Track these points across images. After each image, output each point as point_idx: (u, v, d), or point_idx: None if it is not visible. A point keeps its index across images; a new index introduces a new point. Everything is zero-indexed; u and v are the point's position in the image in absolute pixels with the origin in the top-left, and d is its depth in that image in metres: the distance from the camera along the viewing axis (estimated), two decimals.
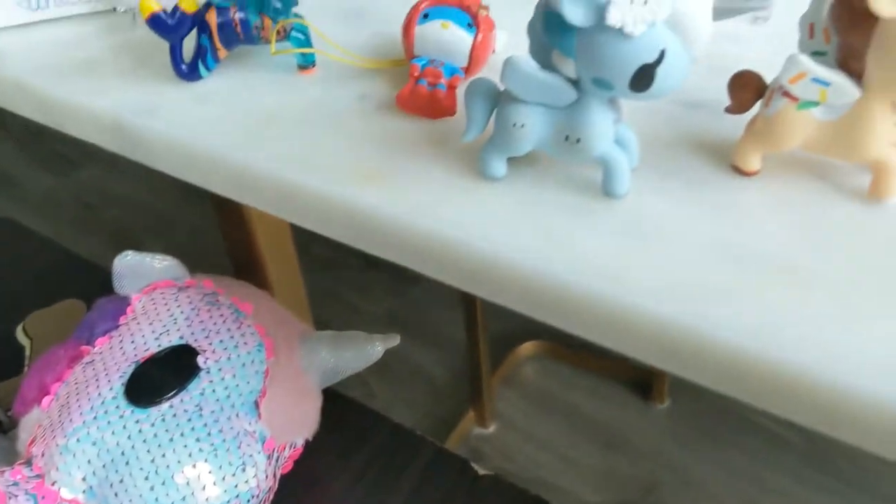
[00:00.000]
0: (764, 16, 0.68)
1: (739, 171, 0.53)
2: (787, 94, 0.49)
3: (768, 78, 0.51)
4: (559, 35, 0.46)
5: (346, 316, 1.93)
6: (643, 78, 0.45)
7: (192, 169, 0.61)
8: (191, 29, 0.63)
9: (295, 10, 0.64)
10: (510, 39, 0.67)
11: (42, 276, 1.07)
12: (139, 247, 0.81)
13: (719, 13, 0.46)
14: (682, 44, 0.45)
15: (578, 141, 0.50)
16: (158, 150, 0.62)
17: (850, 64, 0.47)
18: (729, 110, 0.53)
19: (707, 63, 0.63)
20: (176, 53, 0.64)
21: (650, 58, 0.44)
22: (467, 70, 0.61)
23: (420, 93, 0.59)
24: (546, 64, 0.50)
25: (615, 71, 0.45)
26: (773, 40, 0.67)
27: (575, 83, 0.49)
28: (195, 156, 0.60)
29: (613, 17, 0.43)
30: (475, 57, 0.60)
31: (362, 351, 0.75)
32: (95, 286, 0.88)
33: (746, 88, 0.51)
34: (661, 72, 0.45)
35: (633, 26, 0.43)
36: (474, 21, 0.60)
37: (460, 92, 0.60)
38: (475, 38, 0.60)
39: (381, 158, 0.57)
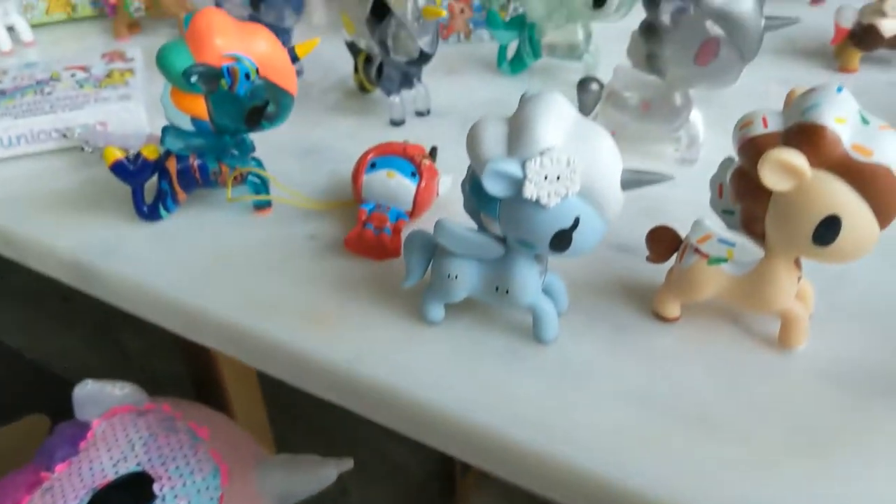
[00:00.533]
0: (691, 158, 0.73)
1: (661, 318, 0.56)
2: (698, 250, 0.53)
3: (693, 219, 0.55)
4: (486, 200, 0.50)
5: (306, 436, 1.92)
6: (561, 241, 0.49)
7: (148, 308, 0.64)
8: (152, 174, 0.67)
9: (257, 146, 0.68)
10: (456, 181, 0.71)
11: (8, 388, 1.09)
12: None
13: (627, 184, 0.51)
14: (595, 211, 0.49)
15: (507, 292, 0.54)
16: (117, 289, 0.65)
17: (752, 226, 0.51)
18: (649, 260, 0.57)
19: (638, 205, 0.67)
20: (137, 196, 0.67)
21: (566, 224, 0.48)
22: (412, 214, 0.65)
23: (367, 237, 0.63)
24: (477, 219, 0.54)
25: (535, 235, 0.49)
26: (702, 182, 0.72)
27: (502, 240, 0.53)
28: (151, 296, 0.63)
29: (529, 192, 0.47)
30: (419, 202, 0.64)
31: (317, 475, 0.77)
32: (62, 401, 0.90)
33: (662, 242, 0.55)
34: (577, 235, 0.49)
35: (548, 199, 0.47)
36: (418, 170, 0.65)
37: (405, 235, 0.63)
38: (418, 185, 0.64)
39: (328, 301, 0.60)
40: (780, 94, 0.84)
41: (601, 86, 0.74)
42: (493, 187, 0.48)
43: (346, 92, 0.88)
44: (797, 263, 0.52)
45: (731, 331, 0.56)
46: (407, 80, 0.79)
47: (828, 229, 0.47)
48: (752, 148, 0.48)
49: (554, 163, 0.47)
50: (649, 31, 0.67)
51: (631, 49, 0.71)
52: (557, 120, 0.48)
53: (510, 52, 0.88)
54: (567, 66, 0.87)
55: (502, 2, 0.90)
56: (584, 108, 0.75)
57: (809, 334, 0.54)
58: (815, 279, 0.57)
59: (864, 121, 0.46)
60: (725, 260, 0.52)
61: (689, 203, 0.59)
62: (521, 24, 0.85)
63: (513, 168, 0.47)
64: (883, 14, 0.81)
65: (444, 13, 0.71)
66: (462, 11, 0.93)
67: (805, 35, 0.91)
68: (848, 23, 0.84)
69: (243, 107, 0.62)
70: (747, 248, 0.51)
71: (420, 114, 0.82)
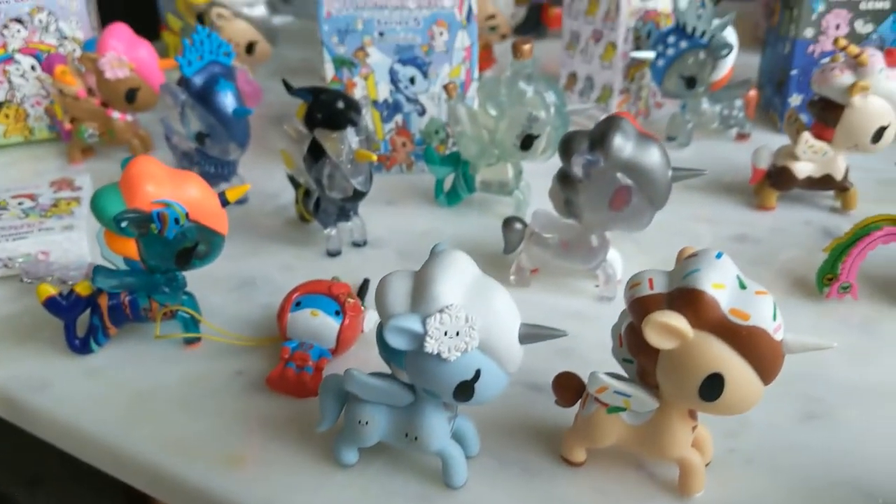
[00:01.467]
0: (608, 296, 0.76)
1: (568, 463, 0.58)
2: (598, 399, 0.55)
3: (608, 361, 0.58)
4: (392, 351, 0.52)
5: None
6: (463, 391, 0.51)
7: (78, 447, 0.64)
8: (84, 309, 0.69)
9: (194, 279, 0.70)
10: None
11: None
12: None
13: (524, 338, 0.53)
14: (495, 363, 0.51)
15: (416, 438, 0.55)
16: (47, 425, 0.65)
17: (646, 378, 0.53)
18: (557, 404, 0.59)
19: (553, 345, 0.69)
20: (69, 331, 0.69)
21: (467, 376, 0.51)
22: (335, 352, 0.67)
23: (288, 375, 0.64)
24: (390, 366, 0.56)
25: (438, 386, 0.51)
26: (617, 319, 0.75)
27: (411, 387, 0.55)
28: (79, 433, 0.63)
29: (430, 347, 0.49)
30: (342, 340, 0.67)
31: None
32: None
33: (567, 388, 0.58)
34: (479, 386, 0.51)
35: (449, 353, 0.49)
36: (342, 308, 0.67)
37: (327, 373, 0.65)
38: (342, 323, 0.66)
39: (248, 441, 0.61)
40: (704, 231, 0.90)
41: (524, 225, 0.77)
42: (396, 341, 0.50)
43: (287, 220, 0.91)
44: (692, 414, 0.54)
45: (636, 477, 0.57)
46: (343, 214, 0.82)
47: (712, 386, 0.49)
48: (638, 308, 0.51)
49: (453, 319, 0.49)
50: (564, 179, 0.71)
51: (551, 193, 0.75)
52: (458, 277, 0.50)
53: (447, 185, 0.92)
54: (500, 200, 0.91)
55: (442, 137, 0.94)
56: (509, 246, 0.79)
57: (708, 480, 0.56)
58: (715, 424, 0.59)
59: (742, 285, 0.49)
60: (623, 409, 0.55)
61: (603, 344, 0.62)
62: (455, 160, 0.89)
63: (414, 324, 0.49)
64: (795, 157, 0.86)
65: (375, 158, 0.75)
66: (404, 145, 0.97)
67: (731, 171, 0.96)
68: (764, 164, 0.89)
69: (173, 249, 0.64)
70: (641, 400, 0.53)
71: (357, 244, 0.85)
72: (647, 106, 1.09)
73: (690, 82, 0.98)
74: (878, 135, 0.83)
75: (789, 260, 0.81)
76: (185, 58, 0.84)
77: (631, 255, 0.81)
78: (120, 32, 0.99)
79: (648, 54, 0.99)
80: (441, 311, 0.49)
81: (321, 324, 0.66)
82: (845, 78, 0.82)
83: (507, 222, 0.78)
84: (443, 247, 0.53)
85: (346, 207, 0.82)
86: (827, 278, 0.74)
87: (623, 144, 0.68)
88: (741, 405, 0.51)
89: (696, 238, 0.86)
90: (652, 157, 0.68)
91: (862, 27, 0.99)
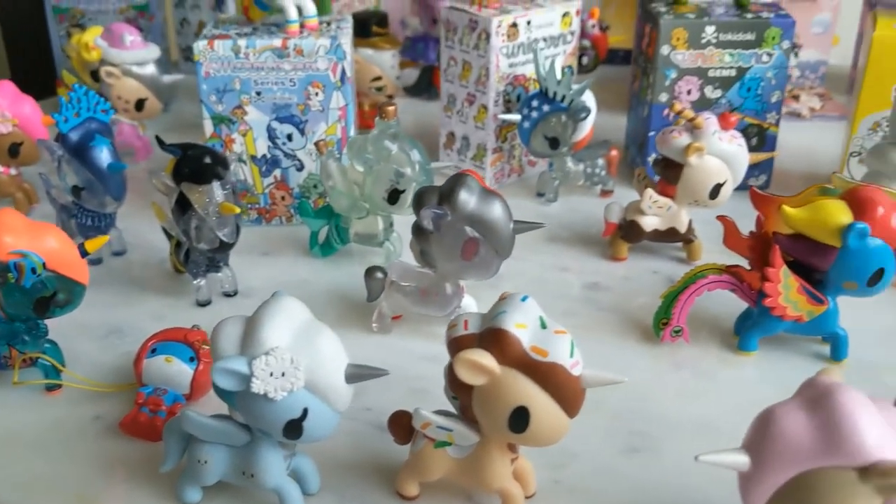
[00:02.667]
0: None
1: (402, 497, 0.62)
2: (426, 435, 0.59)
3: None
4: (224, 392, 0.56)
5: None
6: (292, 429, 0.55)
7: None
8: None
9: (65, 325, 0.72)
10: None
11: None
12: None
13: (350, 378, 0.57)
14: (322, 402, 0.55)
15: (252, 476, 0.58)
16: None
17: (466, 413, 0.57)
18: (396, 442, 0.63)
19: (406, 385, 0.74)
20: None
21: (295, 415, 0.54)
22: (190, 397, 0.70)
23: (141, 419, 0.67)
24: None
25: (268, 425, 0.55)
26: None
27: (248, 427, 0.58)
28: None
29: (256, 387, 0.53)
30: (196, 386, 0.69)
31: None
32: None
33: (401, 426, 0.61)
34: (307, 424, 0.55)
35: (275, 393, 0.53)
36: (196, 355, 0.70)
37: None
38: (196, 369, 0.69)
39: (98, 482, 0.63)
40: (561, 279, 0.95)
41: (385, 274, 0.82)
42: (224, 382, 0.53)
43: (164, 271, 0.93)
44: (511, 447, 0.59)
45: None
46: (213, 265, 0.86)
47: (519, 419, 0.54)
48: (453, 347, 0.55)
49: (279, 361, 0.53)
50: (418, 232, 0.76)
51: (410, 245, 0.79)
52: (286, 322, 0.54)
53: (321, 237, 0.96)
54: (373, 251, 0.95)
55: (320, 191, 0.99)
56: (371, 295, 0.83)
57: None
58: (542, 456, 0.63)
59: (543, 325, 0.54)
60: (449, 444, 0.59)
61: None
62: (328, 213, 0.93)
63: (240, 366, 0.53)
64: (642, 212, 0.93)
65: (237, 210, 0.79)
66: (283, 199, 1.01)
67: (595, 225, 1.02)
68: (615, 218, 0.95)
69: (30, 297, 0.67)
70: (462, 434, 0.57)
71: (227, 295, 0.88)
72: (520, 164, 1.16)
73: (554, 143, 1.05)
74: (716, 191, 0.90)
75: (636, 307, 0.87)
76: (62, 114, 0.87)
77: (491, 302, 0.86)
78: (4, 89, 1.01)
79: (515, 117, 1.06)
80: (267, 353, 0.53)
81: (175, 370, 0.69)
82: (683, 139, 0.90)
83: (369, 272, 0.82)
84: (280, 294, 0.57)
85: (216, 258, 0.85)
86: (662, 323, 0.80)
87: (468, 199, 0.73)
88: (549, 437, 0.55)
89: (554, 286, 0.92)
90: (494, 210, 0.74)
91: (711, 92, 1.08)
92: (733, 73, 1.07)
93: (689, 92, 1.08)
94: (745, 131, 1.10)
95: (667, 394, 0.75)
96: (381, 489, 0.63)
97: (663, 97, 1.08)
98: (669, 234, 0.95)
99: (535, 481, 0.63)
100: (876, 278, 0.73)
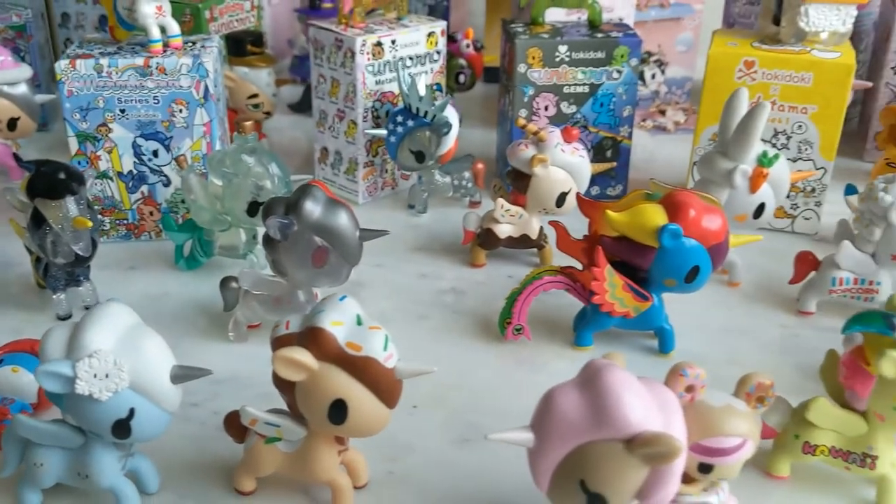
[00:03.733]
0: None
1: (239, 493, 0.64)
2: (257, 432, 0.62)
3: None
4: (55, 396, 0.58)
5: None
6: (121, 429, 0.57)
7: None
8: None
9: None
10: None
11: None
12: None
13: (175, 378, 0.60)
14: (150, 402, 0.57)
15: (87, 476, 0.60)
16: None
17: (293, 409, 0.61)
18: (235, 441, 0.66)
19: (259, 389, 0.76)
20: None
21: (122, 415, 0.57)
22: (37, 406, 0.71)
23: None
24: None
25: (96, 425, 0.57)
26: None
27: (81, 429, 0.60)
28: None
29: (80, 388, 0.55)
30: (43, 394, 0.71)
31: None
32: None
33: (235, 426, 0.64)
34: (135, 424, 0.57)
35: (100, 394, 0.55)
36: None
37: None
38: None
39: None
40: (421, 286, 0.99)
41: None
42: (49, 385, 0.55)
43: (26, 286, 0.94)
44: (339, 440, 0.62)
45: (302, 501, 0.65)
46: (73, 279, 0.87)
47: (338, 410, 0.57)
48: (275, 346, 0.59)
49: (102, 362, 0.55)
50: (268, 242, 0.79)
51: (265, 254, 0.82)
52: (110, 326, 0.57)
53: (186, 250, 0.98)
54: (238, 263, 0.98)
55: (187, 206, 1.01)
56: (227, 305, 0.86)
57: (365, 499, 0.64)
58: (377, 448, 0.67)
59: (359, 322, 0.58)
60: (279, 439, 0.62)
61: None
62: (192, 227, 0.96)
63: (63, 368, 0.55)
64: (496, 221, 0.98)
65: (90, 224, 0.81)
66: (151, 214, 1.03)
67: (460, 234, 1.07)
68: (472, 227, 1.00)
69: None
70: (290, 429, 0.61)
71: (88, 308, 0.89)
72: (393, 178, 1.20)
73: (420, 156, 1.09)
74: (561, 199, 0.96)
75: (489, 310, 0.92)
76: None
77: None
78: None
79: (381, 132, 1.10)
80: (90, 355, 0.55)
81: (22, 380, 0.70)
82: (528, 152, 0.95)
83: (224, 282, 0.85)
84: (111, 301, 0.60)
85: (75, 272, 0.87)
86: (506, 322, 0.85)
87: (313, 208, 0.76)
88: (369, 427, 0.59)
89: (415, 292, 0.96)
90: (340, 219, 0.78)
91: (567, 108, 1.15)
92: (586, 89, 1.14)
93: (546, 108, 1.15)
94: (601, 144, 1.17)
95: (506, 388, 0.80)
96: (219, 487, 0.66)
97: (523, 112, 1.14)
98: (523, 241, 1.00)
99: (368, 472, 0.66)
100: (692, 275, 0.79)
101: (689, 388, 0.54)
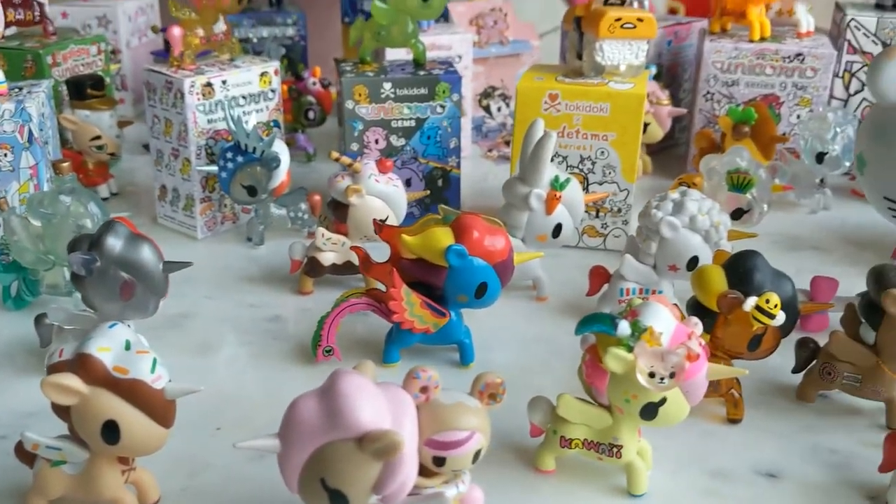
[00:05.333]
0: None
1: None
2: (42, 456, 0.65)
3: None
4: None
5: None
6: None
7: None
8: None
9: None
10: None
11: None
12: None
13: None
14: None
15: None
16: None
17: (74, 432, 0.64)
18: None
19: None
20: None
21: None
22: None
23: None
24: None
25: None
26: None
27: None
28: None
29: None
30: None
31: None
32: None
33: (23, 452, 0.67)
34: None
35: None
36: None
37: None
38: None
39: None
40: (247, 315, 1.03)
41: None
42: None
43: None
44: (122, 460, 0.66)
45: None
46: None
47: (110, 431, 0.61)
48: (49, 372, 0.62)
49: None
50: (75, 277, 0.82)
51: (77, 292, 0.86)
52: None
53: (14, 290, 1.00)
54: (65, 300, 1.00)
55: (9, 248, 1.03)
56: (43, 341, 0.88)
57: None
58: (173, 466, 0.71)
59: (127, 347, 0.62)
60: (64, 462, 0.65)
61: None
62: (17, 267, 0.98)
63: None
64: (319, 249, 1.04)
65: None
66: None
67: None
68: (298, 256, 1.05)
69: None
70: (73, 451, 0.64)
71: None
72: (233, 212, 1.24)
73: (252, 190, 1.14)
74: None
75: (309, 335, 0.96)
76: None
77: (157, 338, 0.94)
78: None
79: (213, 168, 1.14)
80: None
81: None
82: (344, 182, 1.01)
83: (38, 319, 0.88)
84: None
85: None
86: (317, 344, 0.90)
87: (114, 244, 0.80)
88: (144, 446, 0.63)
89: (241, 321, 1.00)
90: (142, 253, 0.81)
91: (396, 141, 1.21)
92: (413, 123, 1.21)
93: (376, 141, 1.21)
94: (431, 174, 1.24)
95: None
96: None
97: (354, 146, 1.20)
98: (347, 268, 1.05)
99: (161, 490, 0.70)
100: (481, 291, 0.86)
101: (424, 389, 0.60)
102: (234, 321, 1.00)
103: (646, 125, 1.42)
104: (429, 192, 1.19)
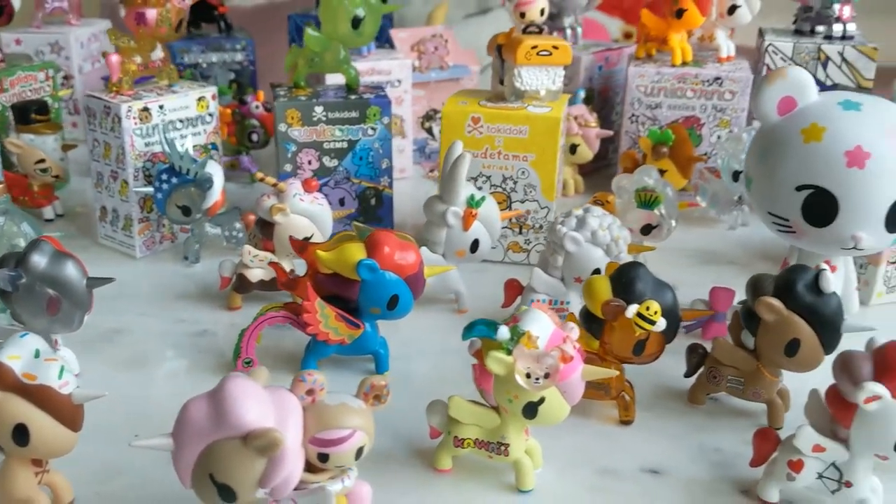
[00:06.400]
0: None
1: None
2: None
3: None
4: None
5: None
6: None
7: None
8: None
9: None
10: None
11: None
12: None
13: None
14: None
15: None
16: None
17: None
18: None
19: None
20: None
21: None
22: None
23: None
24: None
25: None
26: None
27: None
28: None
29: None
30: None
31: None
32: None
33: None
34: None
35: None
36: None
37: None
38: None
39: None
40: (178, 330, 1.07)
41: None
42: None
43: None
44: (35, 461, 0.70)
45: None
46: None
47: (20, 434, 0.65)
48: None
49: None
50: (3, 294, 0.86)
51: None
52: None
53: None
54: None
55: None
56: None
57: None
58: (92, 474, 0.76)
59: (37, 355, 0.67)
60: None
61: None
62: None
63: None
64: (247, 266, 1.08)
65: None
66: None
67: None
68: (228, 273, 1.10)
69: None
70: None
71: None
72: (172, 231, 1.29)
73: (186, 210, 1.18)
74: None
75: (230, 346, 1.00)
76: None
77: (91, 352, 0.98)
78: None
79: (149, 189, 1.19)
80: None
81: None
82: (269, 202, 1.06)
83: None
84: None
85: None
86: (239, 356, 0.94)
87: (39, 261, 0.84)
88: (53, 448, 0.67)
89: (170, 335, 1.04)
90: (67, 270, 0.86)
91: (329, 162, 1.27)
92: (345, 144, 1.26)
93: (310, 162, 1.26)
94: (364, 193, 1.29)
95: None
96: None
97: (288, 167, 1.25)
98: (275, 284, 1.09)
99: (74, 492, 0.74)
100: (393, 303, 0.91)
101: (310, 392, 0.64)
102: (165, 336, 1.05)
103: (576, 146, 1.50)
104: (353, 210, 1.25)
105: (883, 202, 0.85)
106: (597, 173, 1.62)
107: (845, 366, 0.69)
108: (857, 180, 0.84)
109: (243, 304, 1.11)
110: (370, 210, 1.30)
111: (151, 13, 1.21)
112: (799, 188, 0.86)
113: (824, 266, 0.81)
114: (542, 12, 1.20)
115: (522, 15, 1.20)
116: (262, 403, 0.61)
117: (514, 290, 1.05)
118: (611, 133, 1.52)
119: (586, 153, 1.51)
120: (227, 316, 1.09)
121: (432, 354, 1.01)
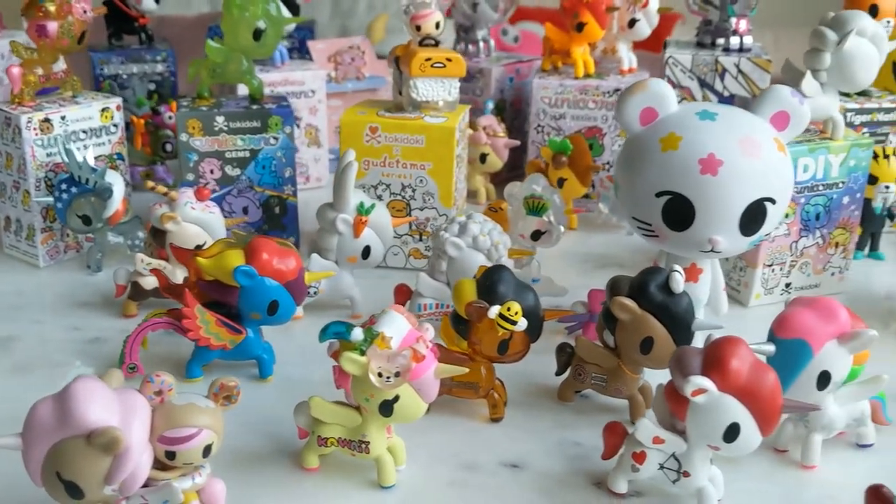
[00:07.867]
0: None
1: None
2: None
3: None
4: None
5: None
6: None
7: None
8: None
9: None
10: None
11: None
12: None
13: None
14: None
15: None
16: None
17: None
18: None
19: None
20: None
21: None
22: None
23: None
24: None
25: None
26: None
27: None
28: None
29: None
30: None
31: None
32: None
33: None
34: None
35: None
36: None
37: None
38: None
39: None
40: (71, 337, 1.08)
41: None
42: None
43: None
44: None
45: None
46: None
47: None
48: None
49: None
50: None
51: None
52: None
53: None
54: None
55: None
56: None
57: None
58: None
59: None
60: None
61: None
62: None
63: None
64: (141, 274, 1.10)
65: None
66: None
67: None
68: (122, 280, 1.11)
69: None
70: None
71: None
72: (77, 241, 1.30)
73: (86, 220, 1.20)
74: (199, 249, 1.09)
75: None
76: None
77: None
78: None
79: (49, 199, 1.20)
80: None
81: None
82: (161, 210, 1.08)
83: None
84: None
85: None
86: (123, 362, 0.96)
87: None
88: None
89: (61, 343, 1.06)
90: None
91: (231, 171, 1.29)
92: (247, 154, 1.28)
93: (212, 171, 1.28)
94: (268, 202, 1.32)
95: None
96: None
97: (190, 176, 1.27)
98: (172, 290, 1.12)
99: None
100: (273, 309, 0.93)
101: (158, 392, 0.67)
102: (57, 343, 1.06)
103: (485, 156, 1.54)
104: (246, 218, 1.27)
105: (736, 207, 0.89)
106: (508, 181, 1.66)
107: (677, 361, 0.73)
108: (711, 186, 0.88)
109: (139, 311, 1.12)
110: (274, 218, 1.32)
111: (53, 25, 1.22)
112: (658, 194, 0.90)
113: (677, 268, 0.85)
114: (437, 25, 1.23)
115: (418, 28, 1.23)
116: (106, 403, 0.63)
117: (404, 294, 1.08)
118: (518, 143, 1.56)
119: (496, 162, 1.55)
120: (121, 323, 1.11)
121: (319, 359, 1.03)
